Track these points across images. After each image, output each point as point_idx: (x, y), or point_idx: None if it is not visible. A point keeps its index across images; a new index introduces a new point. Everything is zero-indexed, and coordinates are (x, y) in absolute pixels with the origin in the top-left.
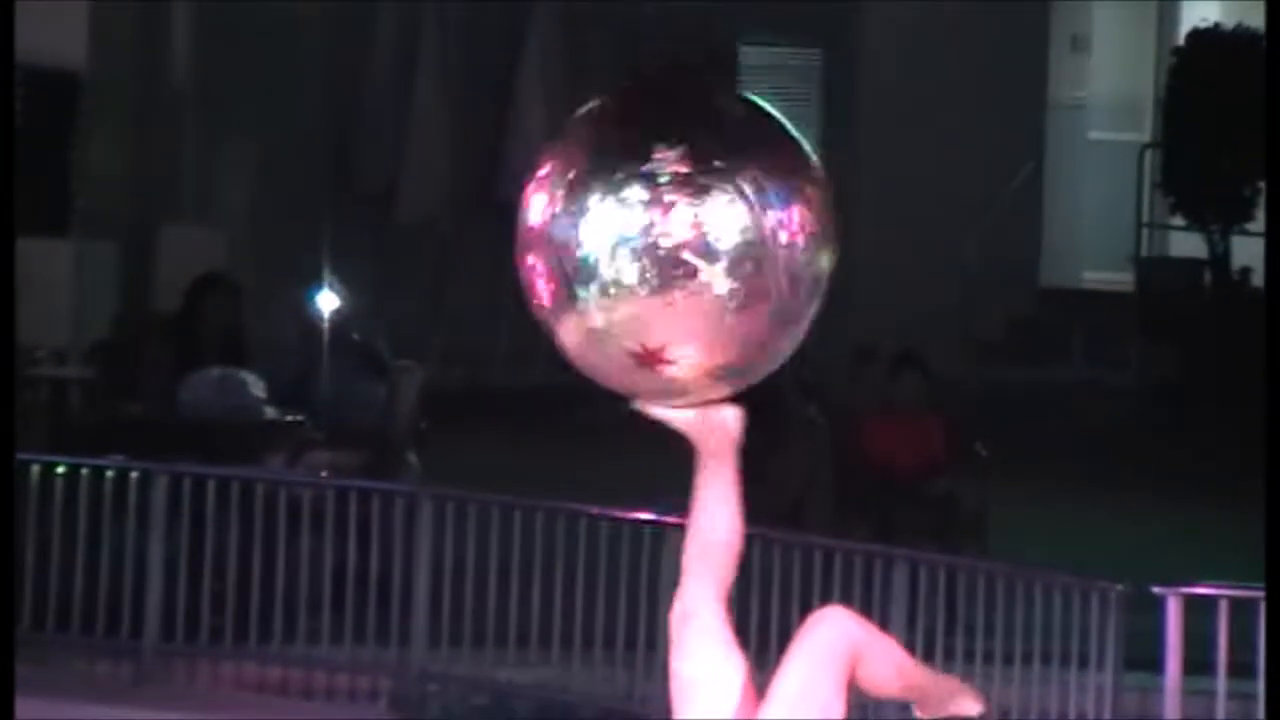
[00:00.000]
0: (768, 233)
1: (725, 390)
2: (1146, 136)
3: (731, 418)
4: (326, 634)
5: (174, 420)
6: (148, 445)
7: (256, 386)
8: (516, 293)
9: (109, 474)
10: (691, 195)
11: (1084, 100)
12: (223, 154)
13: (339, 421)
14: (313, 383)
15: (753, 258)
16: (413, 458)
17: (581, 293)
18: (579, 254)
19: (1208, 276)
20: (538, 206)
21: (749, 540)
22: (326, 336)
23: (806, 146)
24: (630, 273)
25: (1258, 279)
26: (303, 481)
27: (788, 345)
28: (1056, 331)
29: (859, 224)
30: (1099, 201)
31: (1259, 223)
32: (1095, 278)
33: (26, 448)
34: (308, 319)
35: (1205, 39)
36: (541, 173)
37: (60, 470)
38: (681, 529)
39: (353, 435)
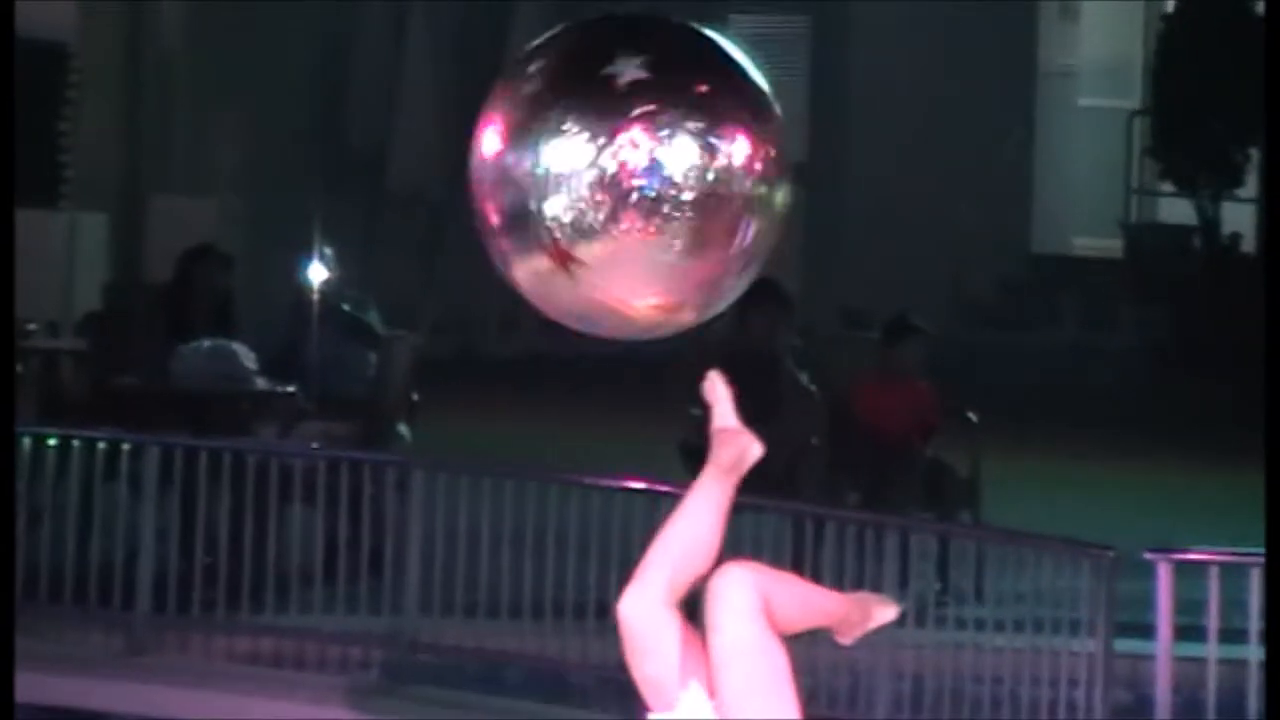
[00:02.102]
0: (723, 168)
1: (677, 329)
2: (1136, 103)
3: (754, 449)
4: (318, 604)
5: (166, 391)
6: (139, 416)
7: (248, 357)
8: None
9: (100, 445)
10: (646, 130)
11: (1074, 67)
12: (213, 124)
13: (330, 392)
14: (304, 353)
15: (708, 193)
16: (404, 428)
17: (534, 232)
18: (531, 189)
19: (1197, 242)
20: (491, 139)
21: (740, 508)
22: (317, 306)
23: (762, 82)
24: (584, 211)
25: (1247, 244)
26: (294, 452)
27: (744, 283)
28: (1047, 297)
29: (849, 190)
30: (1089, 168)
31: (1248, 188)
32: (1085, 243)
33: (19, 419)
34: (299, 289)
35: (1194, 5)
36: (495, 103)
37: (52, 442)
38: (671, 499)
39: (344, 406)
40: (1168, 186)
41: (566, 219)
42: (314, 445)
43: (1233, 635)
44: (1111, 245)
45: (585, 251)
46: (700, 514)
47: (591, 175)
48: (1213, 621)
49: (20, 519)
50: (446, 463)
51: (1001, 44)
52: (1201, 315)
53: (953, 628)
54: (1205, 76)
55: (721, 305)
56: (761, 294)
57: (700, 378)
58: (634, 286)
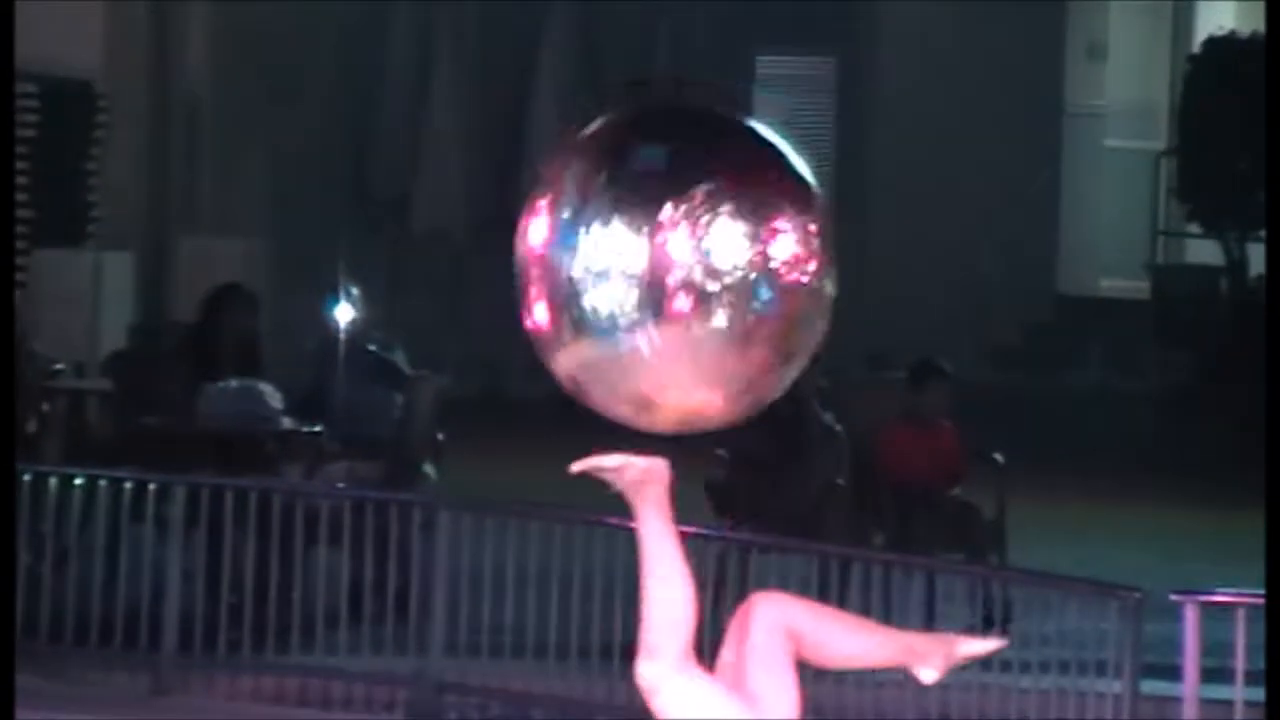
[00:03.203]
0: (769, 266)
1: (719, 424)
2: (1162, 144)
3: (661, 465)
4: (344, 644)
5: (192, 431)
6: (166, 456)
7: (274, 398)
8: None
9: (127, 485)
10: (693, 225)
11: (1100, 108)
12: (239, 166)
13: (356, 432)
14: (330, 394)
15: (753, 290)
16: (429, 468)
17: (578, 323)
18: (576, 282)
19: (1223, 283)
20: (537, 231)
21: (767, 549)
22: (343, 347)
23: (809, 175)
24: (628, 304)
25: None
26: (320, 492)
27: (790, 376)
28: (1073, 338)
29: (875, 231)
30: (1115, 209)
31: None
32: (1112, 285)
33: (45, 460)
34: (324, 330)
35: (1221, 46)
36: (541, 194)
37: (78, 482)
38: (696, 539)
39: (370, 446)
40: (1194, 228)
41: (609, 312)
42: (340, 485)
43: (1259, 677)
44: (1138, 287)
45: (628, 344)
46: (666, 572)
47: (635, 269)
48: (1239, 663)
49: (47, 560)
50: (472, 503)
51: (1028, 85)
52: (1229, 357)
53: (979, 668)
54: (1232, 117)
55: (767, 400)
56: None
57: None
58: (676, 380)
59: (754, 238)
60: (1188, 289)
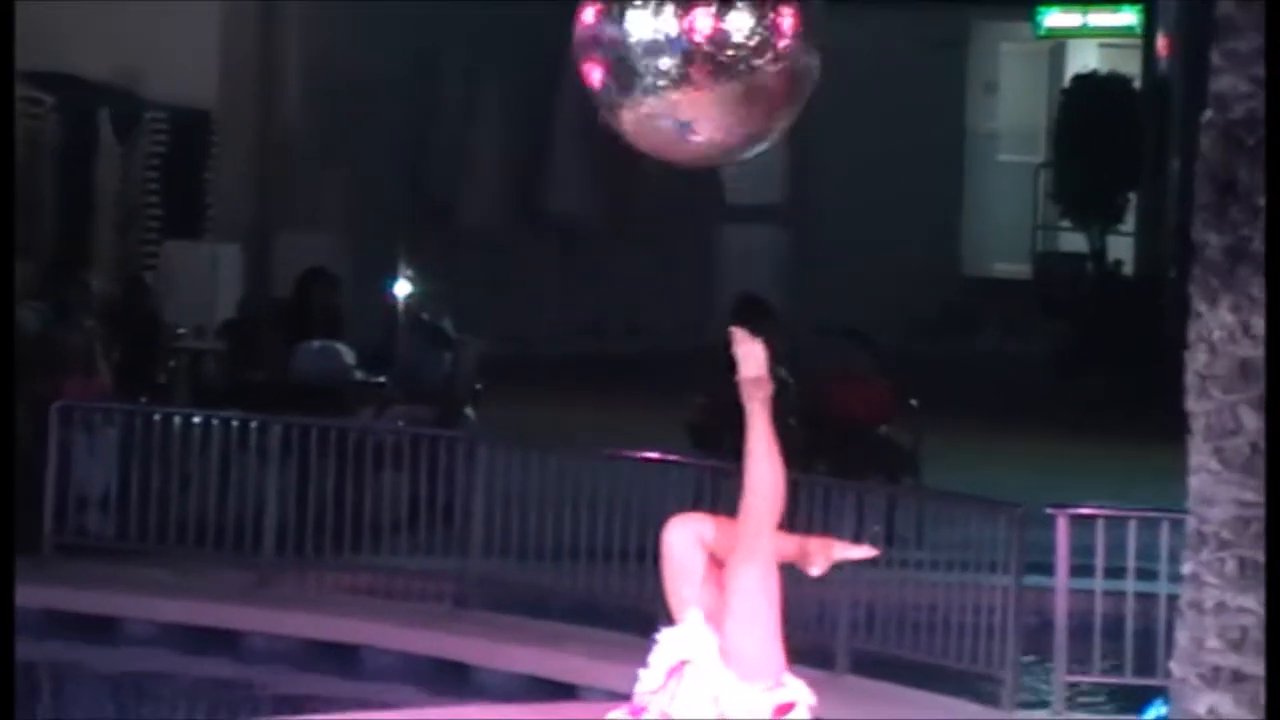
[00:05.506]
0: (771, 34)
1: (737, 157)
2: (1041, 158)
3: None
4: (403, 548)
5: (285, 382)
6: (265, 401)
7: (349, 355)
8: (557, 279)
9: (235, 424)
10: (712, 5)
11: (994, 130)
12: (324, 176)
13: (413, 383)
14: (393, 353)
15: (759, 53)
16: (470, 412)
17: (632, 82)
18: (626, 50)
19: (1088, 266)
20: (590, 12)
21: (733, 474)
22: (404, 317)
23: None
24: (666, 64)
25: (1127, 269)
26: (385, 430)
27: (782, 126)
28: (975, 310)
29: (822, 230)
30: (1006, 208)
31: (1129, 224)
32: (1003, 268)
33: (172, 403)
34: (390, 304)
35: (1086, 82)
36: None
37: (197, 420)
38: (680, 467)
39: (424, 394)
40: (1065, 224)
41: (649, 74)
42: (400, 424)
43: (1115, 573)
44: (1023, 269)
45: (664, 99)
46: (772, 449)
47: (670, 35)
48: (1099, 562)
49: (173, 482)
50: (504, 439)
51: (939, 113)
52: (1093, 325)
53: (899, 567)
54: (1094, 137)
55: (765, 145)
56: (752, 307)
57: (702, 371)
58: (702, 125)
59: (760, 21)
60: (1061, 271)
